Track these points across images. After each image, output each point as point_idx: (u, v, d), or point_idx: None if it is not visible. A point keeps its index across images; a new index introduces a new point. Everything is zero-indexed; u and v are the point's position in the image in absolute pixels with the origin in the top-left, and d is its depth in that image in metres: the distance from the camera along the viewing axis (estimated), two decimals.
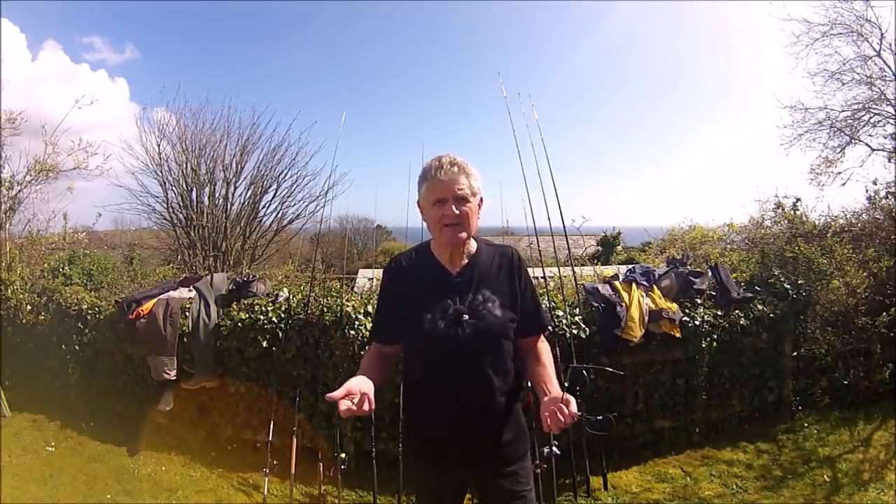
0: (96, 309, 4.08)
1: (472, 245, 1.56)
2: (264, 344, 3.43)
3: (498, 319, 1.48)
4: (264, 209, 11.11)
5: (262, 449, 3.25)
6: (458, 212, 1.44)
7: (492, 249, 1.59)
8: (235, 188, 10.71)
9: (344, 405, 1.25)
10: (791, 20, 8.27)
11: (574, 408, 1.27)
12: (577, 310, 3.51)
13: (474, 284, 1.50)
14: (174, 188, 10.16)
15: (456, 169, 1.45)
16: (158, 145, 10.00)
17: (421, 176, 1.51)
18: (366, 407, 1.29)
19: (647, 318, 3.50)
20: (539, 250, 4.34)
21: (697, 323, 3.64)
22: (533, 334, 1.60)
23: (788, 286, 4.04)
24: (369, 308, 3.46)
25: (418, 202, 1.55)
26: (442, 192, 1.44)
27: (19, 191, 5.73)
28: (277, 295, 3.76)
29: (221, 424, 3.68)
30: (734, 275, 4.19)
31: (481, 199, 1.53)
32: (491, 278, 1.52)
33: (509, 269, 1.56)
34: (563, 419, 1.26)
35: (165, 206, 10.13)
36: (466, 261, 1.54)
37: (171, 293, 3.95)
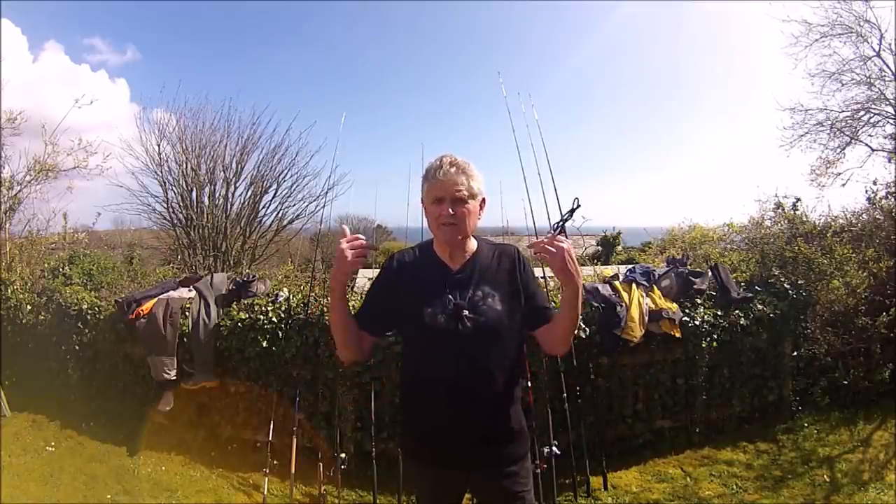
0: (96, 309, 4.08)
1: (473, 244, 1.58)
2: (264, 344, 3.44)
3: (498, 314, 1.49)
4: (264, 209, 11.10)
5: (262, 449, 3.25)
6: (453, 212, 1.46)
7: (493, 248, 1.62)
8: (235, 188, 10.70)
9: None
10: (791, 21, 8.30)
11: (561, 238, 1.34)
12: None
13: (474, 280, 1.52)
14: (174, 188, 10.15)
15: (454, 170, 1.47)
16: (158, 145, 10.00)
17: (423, 175, 1.54)
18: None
19: (647, 318, 3.50)
20: None
21: (697, 323, 3.64)
22: (542, 325, 1.58)
23: (788, 286, 4.04)
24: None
25: (422, 200, 1.57)
26: (440, 192, 1.47)
27: (19, 191, 5.73)
28: (277, 295, 3.76)
29: (221, 424, 3.68)
30: (734, 275, 4.19)
31: (483, 201, 1.55)
32: (491, 274, 1.54)
33: (510, 266, 1.57)
34: (556, 247, 1.33)
35: (165, 206, 10.11)
36: (467, 258, 1.56)
37: (171, 293, 3.94)
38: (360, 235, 1.37)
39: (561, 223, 1.44)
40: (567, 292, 1.42)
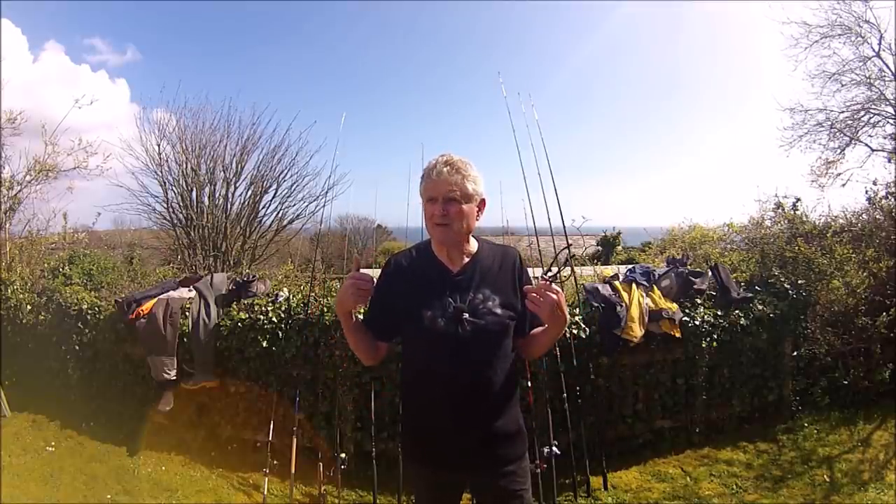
0: (96, 309, 4.08)
1: (473, 244, 1.57)
2: (264, 344, 3.44)
3: (498, 318, 1.49)
4: (264, 209, 11.07)
5: (262, 449, 3.25)
6: (445, 212, 1.45)
7: (494, 249, 1.61)
8: (235, 188, 10.67)
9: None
10: (790, 23, 8.30)
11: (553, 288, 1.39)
12: (577, 310, 3.51)
13: (475, 283, 1.51)
14: (174, 188, 10.13)
15: (448, 169, 1.46)
16: (158, 145, 9.98)
17: (422, 174, 1.54)
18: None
19: (647, 318, 3.50)
20: (539, 250, 4.34)
21: (697, 323, 3.64)
22: (525, 335, 1.61)
23: (788, 286, 4.04)
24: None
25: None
26: (433, 192, 1.47)
27: (19, 191, 5.74)
28: (277, 295, 3.76)
29: (221, 424, 3.68)
30: (734, 275, 4.19)
31: (483, 202, 1.54)
32: (492, 277, 1.53)
33: (511, 269, 1.56)
34: (546, 296, 1.38)
35: (165, 206, 10.09)
36: (467, 260, 1.54)
37: (171, 293, 3.94)
38: (368, 275, 1.46)
39: (555, 272, 1.48)
40: (552, 330, 1.52)
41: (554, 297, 1.38)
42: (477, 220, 1.53)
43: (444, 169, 1.46)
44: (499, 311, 1.49)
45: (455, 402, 1.49)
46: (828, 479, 3.21)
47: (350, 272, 1.46)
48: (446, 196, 1.45)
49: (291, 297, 3.69)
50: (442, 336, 1.46)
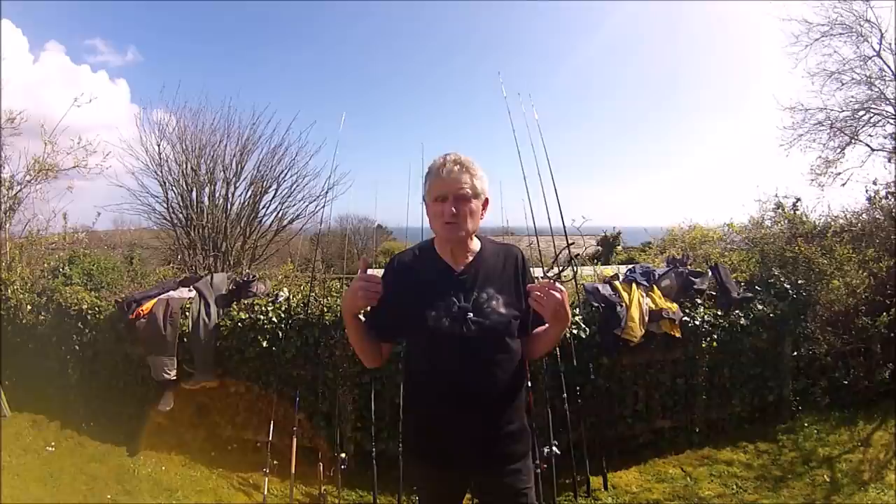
0: (96, 309, 4.07)
1: (476, 244, 1.57)
2: (264, 344, 3.44)
3: (502, 317, 1.48)
4: (264, 209, 11.06)
5: (262, 449, 3.26)
6: (455, 210, 1.45)
7: (497, 248, 1.60)
8: (235, 188, 10.66)
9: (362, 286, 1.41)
10: (791, 21, 8.30)
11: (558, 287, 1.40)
12: (577, 310, 3.51)
13: (479, 282, 1.51)
14: (174, 188, 10.12)
15: (458, 168, 1.46)
16: (158, 145, 9.98)
17: (427, 172, 1.53)
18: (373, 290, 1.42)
19: (647, 318, 3.50)
20: (539, 250, 4.34)
21: (697, 323, 3.64)
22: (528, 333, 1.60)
23: (788, 286, 4.04)
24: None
25: (423, 198, 1.56)
26: (443, 190, 1.46)
27: (19, 191, 5.73)
28: (277, 295, 3.76)
29: (221, 424, 3.68)
30: (734, 275, 4.19)
31: (487, 200, 1.54)
32: (495, 276, 1.53)
33: (514, 268, 1.56)
34: (550, 295, 1.38)
35: (165, 206, 10.09)
36: (471, 259, 1.54)
37: (171, 293, 3.94)
38: (377, 276, 1.44)
39: (559, 271, 1.49)
40: (554, 329, 1.52)
41: (558, 296, 1.38)
42: (481, 218, 1.53)
43: (455, 168, 1.45)
44: (503, 310, 1.49)
45: (460, 402, 1.48)
46: (828, 480, 3.21)
47: (358, 274, 1.45)
48: (457, 194, 1.45)
49: (291, 297, 3.69)
50: (447, 336, 1.45)
